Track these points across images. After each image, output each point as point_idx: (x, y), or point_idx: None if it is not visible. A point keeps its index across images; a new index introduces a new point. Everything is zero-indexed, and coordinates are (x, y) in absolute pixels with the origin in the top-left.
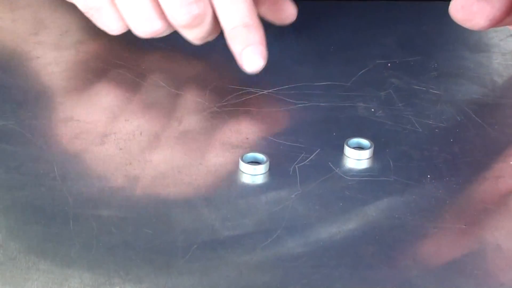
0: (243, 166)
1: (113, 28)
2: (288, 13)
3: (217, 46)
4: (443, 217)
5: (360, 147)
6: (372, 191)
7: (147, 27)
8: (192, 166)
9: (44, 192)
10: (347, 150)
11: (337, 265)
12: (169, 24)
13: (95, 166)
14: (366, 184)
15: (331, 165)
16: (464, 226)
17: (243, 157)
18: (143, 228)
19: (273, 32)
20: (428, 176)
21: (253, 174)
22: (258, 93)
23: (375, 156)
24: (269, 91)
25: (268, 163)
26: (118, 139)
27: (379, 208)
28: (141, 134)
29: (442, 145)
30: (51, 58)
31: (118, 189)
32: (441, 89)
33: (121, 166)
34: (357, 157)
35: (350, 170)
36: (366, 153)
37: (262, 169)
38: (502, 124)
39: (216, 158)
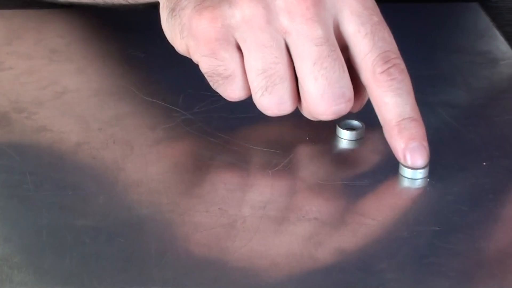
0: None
1: (234, 97)
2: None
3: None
4: (417, 219)
5: (351, 128)
6: (346, 195)
7: (276, 110)
8: (165, 174)
9: (17, 202)
10: (340, 131)
11: (311, 269)
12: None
13: (68, 175)
14: (341, 189)
15: (306, 170)
16: (438, 228)
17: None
18: (116, 237)
19: None
20: (402, 178)
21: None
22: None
23: (351, 160)
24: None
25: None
26: (91, 148)
27: (353, 211)
28: (114, 142)
29: None
30: (25, 68)
31: (91, 199)
32: (414, 91)
33: (94, 175)
34: (348, 138)
35: (325, 175)
36: (356, 134)
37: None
38: (476, 125)
39: (189, 165)
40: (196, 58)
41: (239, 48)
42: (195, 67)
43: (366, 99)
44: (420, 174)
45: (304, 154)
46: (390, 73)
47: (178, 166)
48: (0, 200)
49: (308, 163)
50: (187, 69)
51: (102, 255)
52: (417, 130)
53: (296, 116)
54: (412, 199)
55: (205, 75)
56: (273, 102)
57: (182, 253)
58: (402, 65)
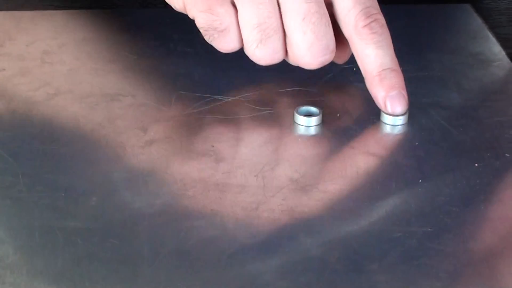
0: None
1: (228, 49)
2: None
3: (181, 54)
4: (408, 220)
5: (309, 114)
6: (338, 196)
7: (269, 60)
8: (157, 175)
9: (10, 204)
10: (297, 118)
11: (302, 270)
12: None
13: (61, 177)
14: (331, 190)
15: (296, 172)
16: (429, 230)
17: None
18: (108, 238)
19: None
20: (394, 179)
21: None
22: (223, 100)
23: (341, 161)
24: (234, 98)
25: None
26: (84, 149)
27: (344, 213)
28: (106, 144)
29: (407, 149)
30: (17, 69)
31: (84, 200)
32: (407, 92)
33: (87, 177)
34: (306, 124)
35: (316, 175)
36: (315, 120)
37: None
38: (467, 126)
39: (181, 167)
40: (192, 13)
41: (233, 4)
42: (186, 68)
43: (350, 53)
44: (400, 120)
45: (290, 155)
46: (372, 27)
47: (171, 167)
48: None
49: (301, 160)
50: (180, 70)
51: (94, 256)
52: (397, 79)
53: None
54: (403, 201)
55: (201, 30)
56: (267, 53)
57: (175, 255)
58: (383, 20)
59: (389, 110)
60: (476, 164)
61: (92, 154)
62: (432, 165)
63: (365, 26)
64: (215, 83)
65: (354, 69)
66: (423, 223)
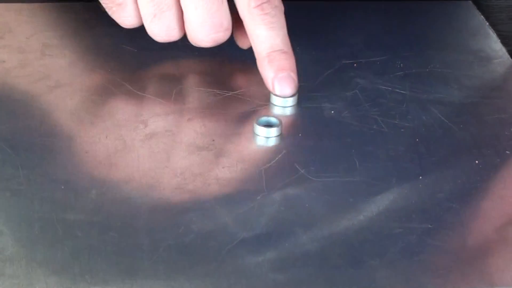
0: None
1: (128, 24)
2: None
3: (182, 48)
4: (409, 217)
5: (269, 125)
6: (338, 191)
7: (165, 36)
8: (157, 169)
9: (9, 196)
10: (257, 128)
11: (303, 266)
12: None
13: (60, 169)
14: (332, 185)
15: (297, 166)
16: (430, 226)
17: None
18: (108, 231)
19: None
20: (394, 176)
21: (219, 178)
22: (223, 95)
23: (341, 157)
24: (235, 92)
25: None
26: (83, 143)
27: (344, 208)
28: (106, 137)
29: (407, 145)
30: (17, 61)
31: (83, 193)
32: (407, 89)
33: (86, 170)
34: (265, 135)
35: (316, 171)
36: (274, 131)
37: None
38: (467, 123)
39: (181, 161)
40: None
41: None
42: (187, 62)
43: None
44: (289, 102)
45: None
46: (263, 8)
47: (171, 160)
48: None
49: (302, 156)
50: (180, 64)
51: (94, 249)
52: (287, 61)
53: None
54: (403, 197)
55: (102, 3)
56: (162, 29)
57: (174, 248)
58: (277, 2)
59: (277, 92)
60: (477, 161)
61: (92, 147)
62: (432, 162)
63: (257, 6)
64: (216, 77)
65: (355, 64)
66: (423, 220)
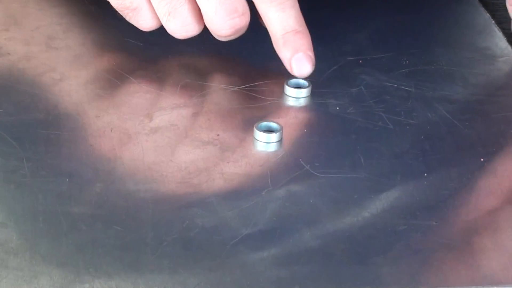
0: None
1: (147, 26)
2: None
3: (187, 42)
4: (413, 213)
5: (270, 130)
6: (342, 188)
7: (184, 32)
8: (162, 162)
9: (14, 188)
10: (257, 134)
11: (307, 262)
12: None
13: (65, 162)
14: (337, 181)
15: (302, 162)
16: (434, 223)
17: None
18: (112, 225)
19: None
20: (399, 173)
21: (223, 173)
22: (229, 89)
23: (346, 153)
24: (240, 87)
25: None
26: (88, 136)
27: (349, 205)
28: (111, 130)
29: (412, 142)
30: (22, 54)
31: (88, 186)
32: (412, 86)
33: (91, 163)
34: (266, 140)
35: (321, 167)
36: (275, 136)
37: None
38: (473, 120)
39: (186, 155)
40: None
41: None
42: (193, 56)
43: None
44: (302, 93)
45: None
46: None
47: (175, 155)
48: None
49: (306, 153)
50: (185, 58)
51: (98, 242)
52: (302, 41)
53: None
54: (408, 194)
55: (118, 11)
56: (178, 25)
57: (179, 243)
58: None
59: (295, 72)
60: (482, 159)
61: (97, 140)
62: (437, 159)
63: None
64: (222, 71)
65: (360, 61)
66: (428, 216)
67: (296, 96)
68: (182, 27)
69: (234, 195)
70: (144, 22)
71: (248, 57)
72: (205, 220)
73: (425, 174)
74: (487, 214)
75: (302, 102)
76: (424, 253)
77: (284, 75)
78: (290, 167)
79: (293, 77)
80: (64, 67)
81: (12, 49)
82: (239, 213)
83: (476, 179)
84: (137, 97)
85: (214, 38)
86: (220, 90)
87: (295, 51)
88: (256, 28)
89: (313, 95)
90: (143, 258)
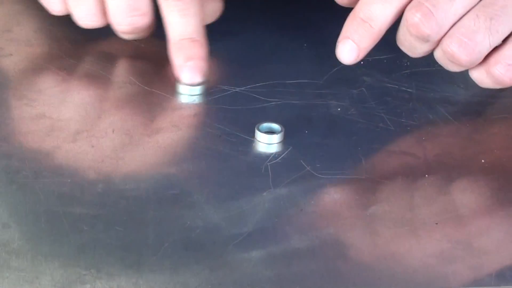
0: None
1: (56, 10)
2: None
3: None
4: (415, 215)
5: (271, 132)
6: (343, 189)
7: (87, 20)
8: (163, 163)
9: (16, 189)
10: (258, 135)
11: (308, 262)
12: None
13: (67, 163)
14: (338, 182)
15: (303, 163)
16: (435, 224)
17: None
18: (114, 225)
19: (246, 29)
20: (400, 174)
21: (224, 173)
22: (231, 90)
23: (347, 154)
24: (242, 88)
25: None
26: (90, 137)
27: (350, 206)
28: (113, 131)
29: (414, 143)
30: (24, 55)
31: (90, 187)
32: (413, 87)
33: (93, 164)
34: (267, 141)
35: (322, 168)
36: (276, 138)
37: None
38: (474, 122)
39: (188, 156)
40: None
41: None
42: None
43: None
44: (195, 91)
45: (305, 143)
46: None
47: (177, 156)
48: None
49: (310, 153)
50: None
51: (100, 243)
52: (196, 50)
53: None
54: (409, 196)
55: None
56: (83, 13)
57: (180, 243)
58: None
59: (184, 80)
60: (483, 160)
61: (99, 141)
62: (438, 160)
63: None
64: (223, 73)
65: (361, 62)
66: (430, 219)
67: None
68: (86, 16)
69: (236, 195)
70: (54, 5)
71: (248, 58)
72: (206, 221)
73: (426, 175)
74: (489, 216)
75: (304, 103)
76: (425, 255)
77: (283, 76)
78: (291, 168)
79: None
80: (66, 69)
81: (14, 49)
82: (241, 213)
83: (477, 181)
84: (139, 98)
85: (217, 39)
86: (221, 91)
87: (187, 58)
88: (258, 29)
89: (314, 96)
90: (144, 259)
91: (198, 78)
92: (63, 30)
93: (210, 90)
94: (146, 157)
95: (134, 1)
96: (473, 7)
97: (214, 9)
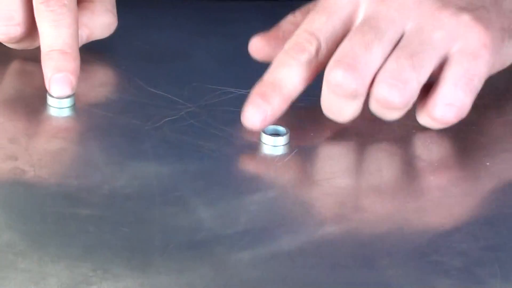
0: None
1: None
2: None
3: (196, 46)
4: (419, 217)
5: (276, 134)
6: (349, 192)
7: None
8: (169, 165)
9: (22, 190)
10: (263, 137)
11: (313, 264)
12: None
13: (73, 165)
14: (343, 185)
15: (309, 165)
16: (440, 227)
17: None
18: (120, 227)
19: (251, 31)
20: (406, 176)
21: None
22: (236, 93)
23: (353, 157)
24: (248, 91)
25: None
26: (96, 138)
27: (356, 208)
28: (119, 133)
29: (419, 146)
30: (32, 58)
31: (96, 188)
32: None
33: (99, 165)
34: (272, 144)
35: (327, 171)
36: (282, 140)
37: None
38: (480, 125)
39: (194, 158)
40: None
41: None
42: (201, 59)
43: None
44: (65, 103)
45: (322, 147)
46: (49, 5)
47: (183, 158)
48: (6, 188)
49: (324, 156)
50: (193, 62)
51: (106, 244)
52: (66, 63)
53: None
54: (414, 197)
55: None
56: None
57: (186, 245)
58: (66, 1)
59: (52, 92)
60: (488, 163)
61: (105, 143)
62: (444, 163)
63: (43, 2)
64: (229, 75)
65: None
66: (435, 220)
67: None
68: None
69: (241, 197)
70: None
71: (254, 60)
72: (212, 223)
73: (432, 178)
74: (494, 218)
75: (310, 106)
76: (431, 257)
77: None
78: (297, 170)
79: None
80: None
81: (19, 51)
82: (247, 215)
83: (483, 183)
84: (145, 100)
85: (220, 38)
86: (227, 93)
87: (56, 70)
88: (265, 30)
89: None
90: (150, 260)
91: (67, 91)
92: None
93: (215, 93)
94: (152, 159)
95: (7, 11)
96: (391, 52)
97: (106, 23)
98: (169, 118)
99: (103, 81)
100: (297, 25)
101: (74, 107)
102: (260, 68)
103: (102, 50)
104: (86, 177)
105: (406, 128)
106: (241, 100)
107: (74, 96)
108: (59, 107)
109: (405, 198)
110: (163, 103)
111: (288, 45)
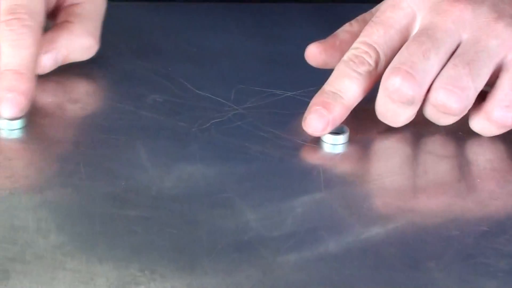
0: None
1: None
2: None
3: (242, 48)
4: (466, 219)
5: (337, 133)
6: (397, 192)
7: None
8: (216, 166)
9: (71, 192)
10: (325, 136)
11: (359, 266)
12: None
13: (121, 167)
14: (391, 186)
15: (356, 167)
16: (486, 229)
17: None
18: (167, 228)
19: (295, 30)
20: (450, 178)
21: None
22: (283, 95)
23: (401, 158)
24: (294, 93)
25: None
26: (144, 139)
27: (401, 210)
28: (167, 136)
29: (465, 148)
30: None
31: (144, 190)
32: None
33: (147, 167)
34: (332, 142)
35: (375, 172)
36: (342, 138)
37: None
38: None
39: (241, 159)
40: None
41: None
42: (247, 61)
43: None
44: (15, 125)
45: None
46: (11, 24)
47: (230, 160)
48: (54, 189)
49: (362, 157)
50: (239, 64)
51: (153, 245)
52: (18, 83)
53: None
54: (461, 199)
55: None
56: None
57: (233, 246)
58: (28, 21)
59: (1, 113)
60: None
61: (153, 145)
62: (490, 165)
63: (5, 21)
64: (275, 77)
65: None
66: (481, 222)
67: None
68: None
69: (288, 198)
70: None
71: (301, 62)
72: (258, 224)
73: (478, 180)
74: None
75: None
76: (477, 259)
77: None
78: (343, 172)
79: None
80: (119, 74)
81: None
82: (292, 217)
83: None
84: (192, 103)
85: (266, 40)
86: (273, 95)
87: (7, 90)
88: (309, 32)
89: (366, 98)
90: (197, 261)
91: (15, 113)
92: (116, 34)
93: (262, 95)
94: (199, 161)
95: None
96: (448, 60)
97: (85, 46)
98: (216, 120)
99: (150, 84)
100: (353, 34)
101: None
102: (305, 70)
103: (150, 53)
104: (134, 179)
105: (453, 132)
106: (287, 102)
107: (24, 118)
108: (8, 128)
109: (451, 200)
110: (210, 105)
111: (348, 56)
